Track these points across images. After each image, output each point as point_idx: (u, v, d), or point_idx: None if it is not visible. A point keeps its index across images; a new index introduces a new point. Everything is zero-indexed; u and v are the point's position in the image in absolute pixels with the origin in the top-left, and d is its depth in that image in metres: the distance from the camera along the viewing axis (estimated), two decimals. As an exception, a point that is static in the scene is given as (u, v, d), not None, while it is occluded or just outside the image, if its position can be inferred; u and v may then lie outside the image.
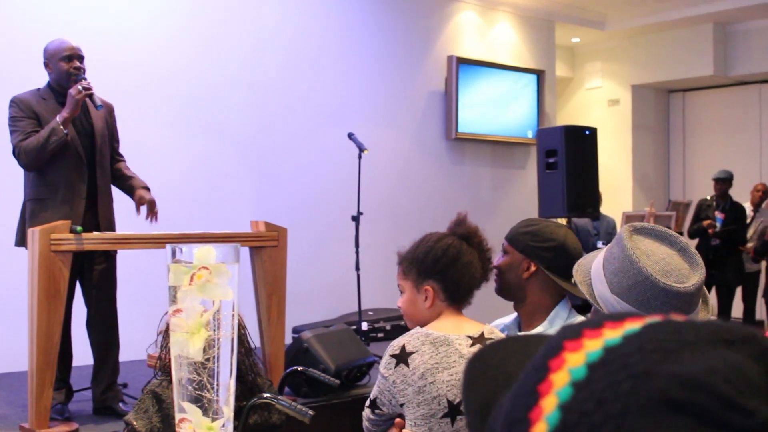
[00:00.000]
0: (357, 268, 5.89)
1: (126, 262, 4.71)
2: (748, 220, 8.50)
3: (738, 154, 10.37)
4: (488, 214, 8.25)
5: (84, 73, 4.23)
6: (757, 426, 0.39)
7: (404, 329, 2.34)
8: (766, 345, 0.42)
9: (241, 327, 2.64)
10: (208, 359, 1.58)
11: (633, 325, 0.45)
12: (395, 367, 2.14)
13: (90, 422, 4.16)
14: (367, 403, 2.25)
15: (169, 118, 6.48)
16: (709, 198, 8.51)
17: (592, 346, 0.45)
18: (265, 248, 4.33)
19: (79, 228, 3.84)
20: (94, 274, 4.29)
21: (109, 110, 4.45)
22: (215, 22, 6.80)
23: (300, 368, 3.30)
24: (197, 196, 6.56)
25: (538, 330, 2.37)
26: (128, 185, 4.46)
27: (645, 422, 0.40)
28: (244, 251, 4.35)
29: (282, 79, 7.16)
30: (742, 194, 8.75)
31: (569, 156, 6.29)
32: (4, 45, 5.75)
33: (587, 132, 6.58)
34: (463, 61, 8.44)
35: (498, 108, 8.80)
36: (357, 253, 5.89)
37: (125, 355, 4.52)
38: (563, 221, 6.25)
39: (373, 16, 7.86)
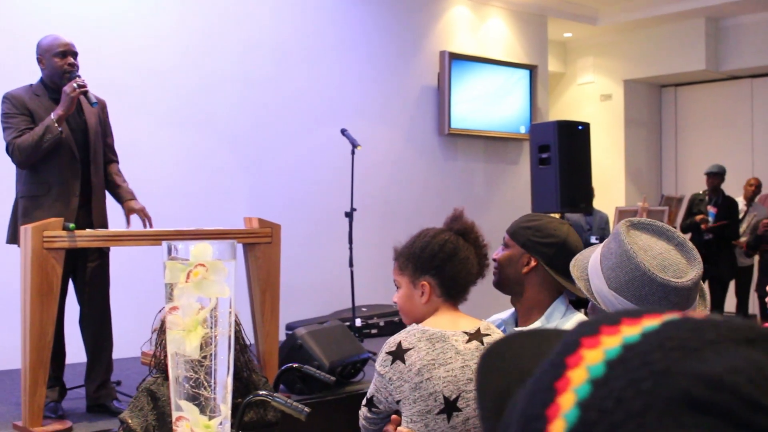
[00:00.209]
0: (350, 265, 5.88)
1: (119, 259, 4.70)
2: (741, 215, 8.52)
3: (730, 148, 10.40)
4: (481, 210, 8.25)
5: (78, 70, 4.21)
6: None
7: (397, 326, 2.33)
8: None
9: (236, 324, 2.63)
10: (205, 357, 1.58)
11: (651, 322, 0.45)
12: (391, 364, 2.13)
13: (83, 420, 4.14)
14: (364, 401, 2.24)
15: (161, 114, 6.45)
16: (701, 192, 8.53)
17: (610, 343, 0.44)
18: (259, 245, 4.33)
19: (71, 225, 3.82)
20: (87, 272, 4.27)
21: (102, 106, 4.43)
22: (208, 17, 6.77)
23: (296, 365, 3.29)
24: (190, 193, 6.54)
25: (535, 326, 2.37)
26: (116, 193, 4.44)
27: (667, 421, 0.39)
28: (238, 248, 4.34)
29: (275, 75, 7.14)
30: (734, 189, 8.76)
31: (562, 151, 6.29)
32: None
33: (580, 127, 6.58)
34: (455, 57, 8.43)
35: (491, 103, 8.80)
36: (350, 249, 5.88)
37: (119, 352, 4.50)
38: (556, 216, 6.25)
39: (366, 12, 7.84)
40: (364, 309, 6.79)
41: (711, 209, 8.30)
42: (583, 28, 10.33)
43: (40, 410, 3.81)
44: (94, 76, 4.68)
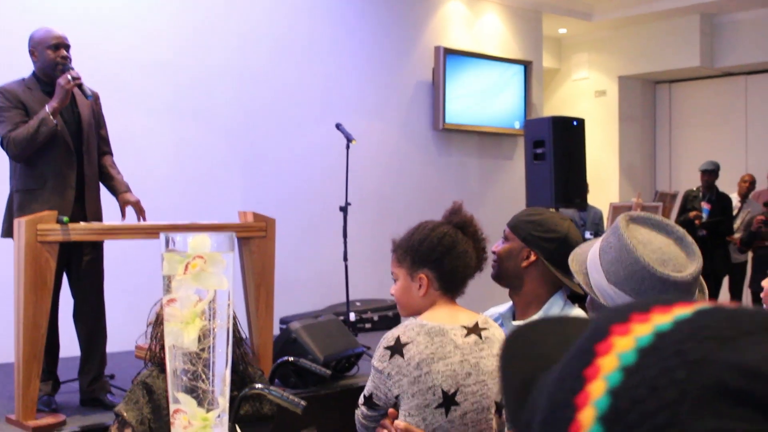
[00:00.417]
0: (345, 259, 5.87)
1: (113, 252, 4.68)
2: (735, 211, 8.54)
3: (724, 145, 10.41)
4: (476, 205, 8.24)
5: (70, 62, 4.18)
6: None
7: (391, 320, 2.32)
8: None
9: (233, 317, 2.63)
10: (203, 349, 1.56)
11: (683, 311, 0.44)
12: (390, 358, 2.12)
13: (77, 414, 4.13)
14: (361, 400, 2.22)
15: (156, 107, 6.43)
16: (695, 189, 8.54)
17: (642, 330, 0.43)
18: (253, 239, 4.31)
19: (65, 218, 3.80)
20: (81, 265, 4.25)
21: (95, 98, 4.40)
22: (203, 11, 6.75)
23: (291, 359, 3.28)
24: (185, 187, 6.52)
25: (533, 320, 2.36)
26: (111, 185, 4.41)
27: (702, 411, 0.38)
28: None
29: (270, 69, 7.12)
30: (728, 185, 8.78)
31: (557, 147, 6.28)
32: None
33: (575, 123, 6.58)
34: (450, 52, 8.42)
35: (485, 99, 8.80)
36: (345, 243, 5.87)
37: (112, 346, 4.49)
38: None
39: (361, 7, 7.83)
40: (358, 303, 6.79)
41: (705, 206, 8.32)
42: (577, 24, 10.32)
43: (33, 404, 3.80)
44: (90, 69, 4.66)
